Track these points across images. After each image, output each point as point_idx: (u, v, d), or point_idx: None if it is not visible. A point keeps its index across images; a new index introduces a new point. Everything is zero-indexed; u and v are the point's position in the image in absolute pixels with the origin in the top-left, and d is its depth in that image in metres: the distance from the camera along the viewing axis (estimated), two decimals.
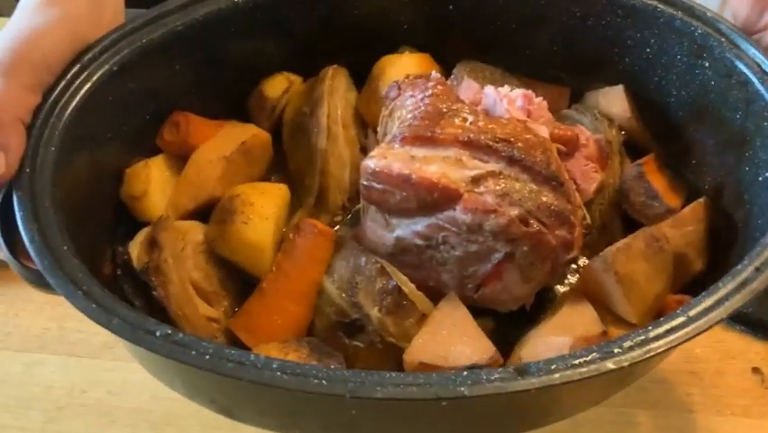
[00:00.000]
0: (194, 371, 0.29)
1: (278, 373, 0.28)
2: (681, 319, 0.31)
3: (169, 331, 0.29)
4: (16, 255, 0.34)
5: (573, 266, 0.43)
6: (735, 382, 0.50)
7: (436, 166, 0.38)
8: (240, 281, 0.41)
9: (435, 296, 0.39)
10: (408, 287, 0.39)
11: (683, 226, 0.42)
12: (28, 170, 0.35)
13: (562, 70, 0.51)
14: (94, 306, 0.30)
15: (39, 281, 0.33)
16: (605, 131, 0.47)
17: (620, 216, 0.45)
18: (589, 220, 0.44)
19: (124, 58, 0.41)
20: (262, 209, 0.41)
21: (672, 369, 0.51)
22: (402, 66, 0.47)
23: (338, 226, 0.45)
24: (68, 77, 0.39)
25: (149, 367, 0.35)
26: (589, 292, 0.39)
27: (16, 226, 0.34)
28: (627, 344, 0.29)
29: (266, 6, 0.47)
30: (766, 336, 0.52)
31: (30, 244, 0.32)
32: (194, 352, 0.28)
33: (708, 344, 0.53)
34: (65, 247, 0.33)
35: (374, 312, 0.38)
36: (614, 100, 0.49)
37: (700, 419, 0.49)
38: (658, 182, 0.45)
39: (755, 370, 0.51)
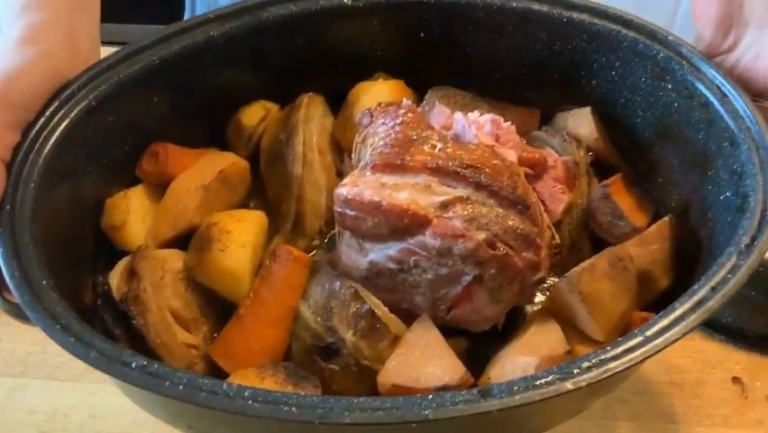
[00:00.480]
0: (170, 400, 0.30)
1: (250, 402, 0.29)
2: (638, 339, 0.32)
3: (145, 363, 0.30)
4: None
5: (544, 285, 0.45)
6: (715, 393, 0.52)
7: (406, 193, 0.39)
8: (219, 308, 0.42)
9: (409, 318, 0.41)
10: (381, 310, 0.40)
11: (648, 245, 0.43)
12: (8, 207, 0.36)
13: (532, 93, 0.53)
14: (71, 339, 0.31)
15: (19, 314, 0.34)
16: (573, 152, 0.48)
17: (588, 235, 0.47)
18: (558, 240, 0.45)
19: (102, 93, 0.42)
20: (239, 237, 0.42)
21: (653, 380, 0.52)
22: (376, 92, 0.49)
23: (315, 251, 0.46)
24: (47, 113, 0.40)
25: (130, 395, 0.36)
26: (556, 312, 0.40)
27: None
28: (586, 364, 0.31)
29: (242, 38, 0.48)
30: (746, 345, 0.54)
31: (10, 279, 0.34)
32: (168, 382, 0.29)
33: (688, 354, 0.54)
34: (44, 282, 0.34)
35: (348, 336, 0.39)
36: (582, 121, 0.50)
37: (682, 430, 0.50)
38: (624, 202, 0.46)
39: (735, 379, 0.53)
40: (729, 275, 0.34)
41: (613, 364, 0.31)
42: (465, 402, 0.30)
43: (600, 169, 0.50)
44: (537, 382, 0.30)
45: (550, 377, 0.31)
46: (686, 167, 0.46)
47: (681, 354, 0.54)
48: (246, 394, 0.29)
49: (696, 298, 0.34)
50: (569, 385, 0.30)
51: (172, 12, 0.89)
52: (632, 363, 0.31)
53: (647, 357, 0.31)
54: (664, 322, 0.33)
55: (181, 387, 0.29)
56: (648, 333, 0.32)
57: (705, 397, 0.51)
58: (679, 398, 0.51)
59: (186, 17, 0.85)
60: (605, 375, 0.30)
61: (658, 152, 0.49)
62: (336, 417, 0.29)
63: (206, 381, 0.30)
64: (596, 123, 0.50)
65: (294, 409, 0.29)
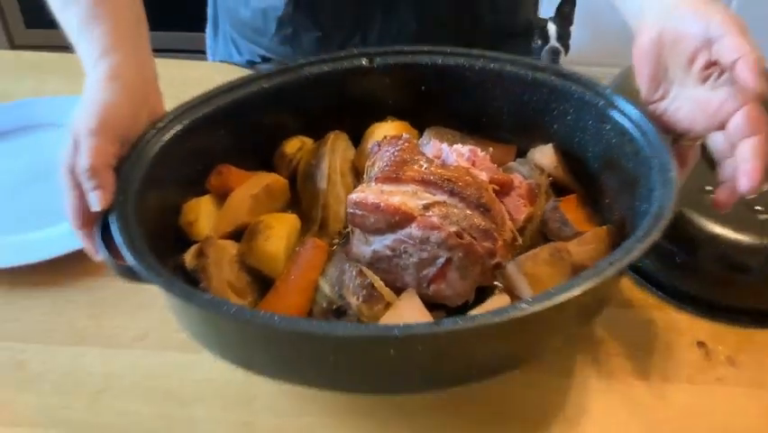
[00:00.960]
0: (238, 326, 0.45)
1: (289, 323, 0.44)
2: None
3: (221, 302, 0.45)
4: (113, 257, 0.51)
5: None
6: (682, 355, 0.61)
7: (399, 197, 0.54)
8: (261, 282, 0.57)
9: (399, 291, 0.55)
10: (378, 283, 0.54)
11: (585, 245, 0.57)
12: (120, 198, 0.53)
13: (509, 134, 0.67)
14: (172, 285, 0.46)
15: (130, 274, 0.49)
16: (536, 177, 0.63)
17: (544, 238, 0.60)
18: (520, 241, 0.59)
19: (185, 125, 0.59)
20: (279, 231, 0.58)
21: (627, 342, 0.62)
22: (385, 130, 0.64)
23: (335, 246, 0.61)
24: (147, 135, 0.56)
25: (195, 330, 0.51)
26: (508, 288, 0.54)
27: (111, 238, 0.51)
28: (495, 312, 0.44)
29: (286, 90, 0.65)
30: (710, 315, 0.64)
31: (124, 246, 0.49)
32: (240, 314, 0.44)
33: (660, 323, 0.64)
34: (145, 252, 0.49)
35: (354, 301, 0.53)
36: (545, 155, 0.64)
37: (651, 386, 0.59)
38: (571, 214, 0.60)
39: (700, 344, 0.62)
40: (622, 258, 0.48)
41: (527, 306, 0.44)
42: (421, 327, 0.44)
43: (561, 191, 0.64)
44: (475, 318, 0.44)
45: (487, 315, 0.44)
46: (622, 189, 0.60)
47: (654, 322, 0.64)
48: (285, 320, 0.44)
49: (597, 269, 0.47)
50: (496, 319, 0.44)
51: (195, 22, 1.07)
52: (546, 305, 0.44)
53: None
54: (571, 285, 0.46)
55: (249, 316, 0.44)
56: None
57: (672, 359, 0.61)
58: (650, 359, 0.60)
59: (208, 28, 1.04)
60: (520, 313, 0.44)
61: (603, 178, 0.62)
62: (336, 330, 0.44)
63: (261, 313, 0.45)
64: (556, 156, 0.64)
65: (311, 327, 0.44)
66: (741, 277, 0.62)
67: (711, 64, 0.52)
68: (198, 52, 1.07)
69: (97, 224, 0.52)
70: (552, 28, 1.90)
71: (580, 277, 0.46)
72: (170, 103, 0.60)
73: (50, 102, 0.84)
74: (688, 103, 0.55)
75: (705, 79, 0.53)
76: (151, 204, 0.56)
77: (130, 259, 0.48)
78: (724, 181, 0.53)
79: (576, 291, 0.45)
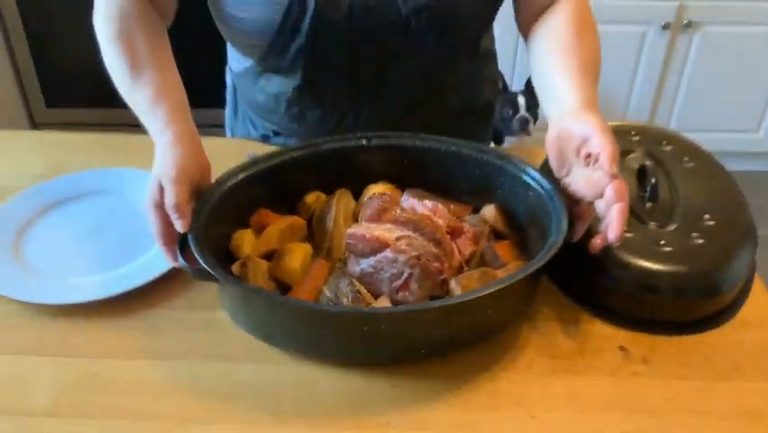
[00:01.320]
0: (268, 306, 0.71)
1: (301, 303, 0.70)
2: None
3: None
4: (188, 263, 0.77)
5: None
6: (606, 356, 0.78)
7: (379, 231, 0.80)
8: (283, 289, 0.83)
9: (378, 297, 0.80)
10: (363, 290, 0.79)
11: (508, 272, 0.82)
12: (194, 225, 0.79)
13: (466, 196, 0.93)
14: (229, 279, 0.72)
15: (201, 275, 0.75)
16: (480, 226, 0.88)
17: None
18: (465, 268, 0.84)
19: (238, 181, 0.86)
20: (297, 254, 0.83)
21: (564, 348, 0.79)
22: (377, 190, 0.91)
23: (337, 267, 0.87)
24: (212, 187, 0.84)
25: (237, 312, 0.77)
26: (451, 296, 0.79)
27: (188, 249, 0.77)
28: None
29: (308, 160, 0.92)
30: (629, 325, 0.82)
31: (199, 255, 0.75)
32: (271, 296, 0.70)
33: (590, 333, 0.81)
34: (212, 260, 0.76)
35: (345, 301, 0.78)
36: (489, 212, 0.90)
37: (580, 379, 0.76)
38: (504, 253, 0.85)
39: (621, 348, 0.80)
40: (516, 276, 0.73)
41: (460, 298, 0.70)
42: (382, 309, 0.70)
43: (501, 237, 0.90)
44: (418, 305, 0.70)
45: (426, 304, 0.70)
46: (539, 237, 0.85)
47: (585, 332, 0.81)
48: (294, 300, 0.70)
49: (510, 277, 0.73)
50: (435, 305, 0.69)
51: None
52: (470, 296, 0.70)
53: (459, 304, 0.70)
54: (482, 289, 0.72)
55: (287, 302, 0.70)
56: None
57: (599, 358, 0.78)
58: (582, 359, 0.77)
59: (228, 110, 1.24)
60: (445, 303, 0.69)
61: (529, 229, 0.88)
62: (333, 309, 0.69)
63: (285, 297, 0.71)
64: (497, 213, 0.90)
65: (316, 306, 0.69)
66: (651, 296, 0.81)
67: (589, 154, 0.78)
68: (213, 126, 1.26)
69: (178, 241, 0.78)
70: (521, 100, 2.23)
71: (489, 285, 0.72)
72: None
73: (104, 173, 1.05)
74: (580, 179, 0.79)
75: (588, 164, 0.79)
76: (213, 232, 0.82)
77: (202, 263, 0.74)
78: (600, 232, 0.78)
79: (479, 294, 0.71)
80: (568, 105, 0.81)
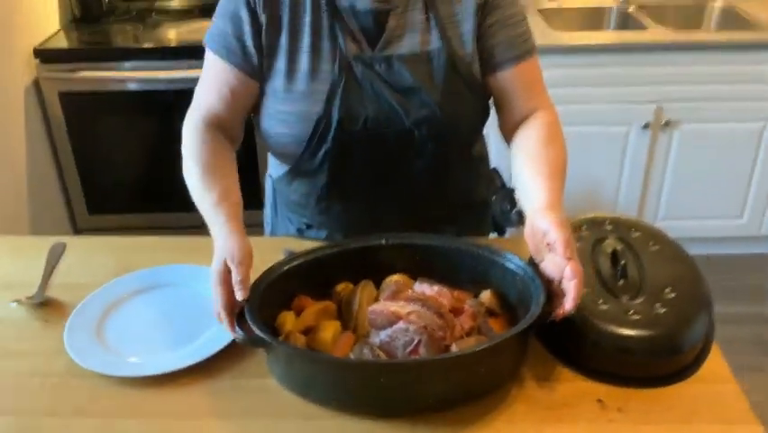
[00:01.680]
0: (312, 364, 0.90)
1: (333, 358, 0.89)
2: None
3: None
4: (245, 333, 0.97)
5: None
6: (585, 406, 0.94)
7: (394, 307, 1.00)
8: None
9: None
10: (382, 355, 0.99)
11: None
12: (249, 305, 1.00)
13: (467, 283, 1.13)
14: (280, 342, 0.92)
15: (256, 342, 0.95)
16: (477, 307, 1.08)
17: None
18: (465, 338, 1.03)
19: (283, 272, 1.08)
20: (329, 330, 1.03)
21: (551, 400, 0.95)
22: (394, 279, 1.12)
23: (361, 340, 1.06)
24: (263, 277, 1.05)
25: (281, 372, 0.96)
26: None
27: (245, 323, 0.98)
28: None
29: (340, 256, 1.14)
30: (606, 381, 0.98)
31: (254, 325, 0.96)
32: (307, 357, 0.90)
33: (572, 386, 0.97)
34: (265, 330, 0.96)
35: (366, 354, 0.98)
36: (485, 295, 1.10)
37: (563, 426, 0.91)
38: (497, 326, 1.05)
39: (599, 400, 0.95)
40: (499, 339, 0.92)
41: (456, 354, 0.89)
42: (395, 361, 0.89)
43: (494, 315, 1.09)
44: (426, 358, 0.89)
45: (430, 358, 0.89)
46: (525, 312, 1.03)
47: (568, 388, 0.97)
48: (326, 355, 0.90)
49: (498, 337, 0.92)
50: (436, 358, 0.88)
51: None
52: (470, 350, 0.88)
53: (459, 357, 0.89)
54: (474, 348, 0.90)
55: (317, 357, 0.90)
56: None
57: (580, 409, 0.93)
58: (566, 410, 0.93)
59: (268, 210, 1.47)
60: (445, 356, 0.88)
61: (519, 308, 1.07)
62: (357, 362, 0.89)
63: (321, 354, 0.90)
64: (492, 296, 1.10)
65: (343, 360, 0.89)
66: (624, 356, 0.98)
67: (548, 243, 0.99)
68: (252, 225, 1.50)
69: (236, 316, 0.99)
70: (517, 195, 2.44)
71: (480, 344, 0.91)
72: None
73: (168, 269, 1.25)
74: (549, 264, 1.00)
75: (552, 251, 1.00)
76: (263, 312, 1.03)
77: (258, 332, 0.95)
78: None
79: (474, 349, 0.90)
80: (536, 204, 1.04)
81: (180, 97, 2.45)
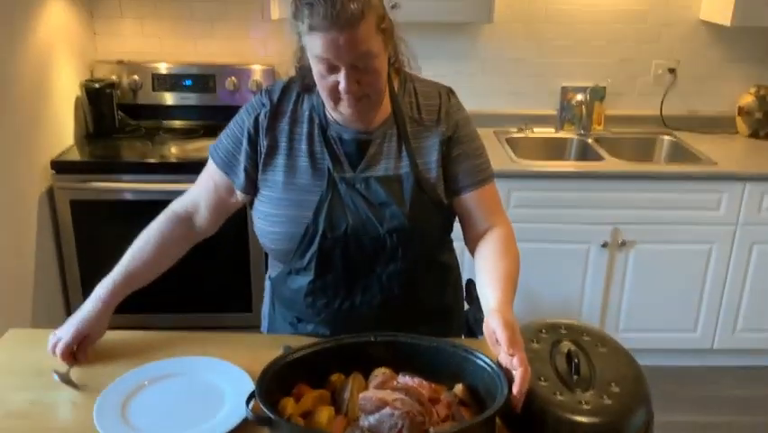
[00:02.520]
0: None
1: None
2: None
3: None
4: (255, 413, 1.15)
5: None
6: None
7: (381, 394, 1.18)
8: None
9: None
10: None
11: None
12: (260, 390, 1.18)
13: (443, 377, 1.32)
14: (287, 425, 1.10)
15: (264, 421, 1.13)
16: (451, 398, 1.26)
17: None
18: (440, 421, 1.21)
19: (283, 364, 1.26)
20: (324, 414, 1.21)
21: None
22: (380, 372, 1.31)
23: (353, 424, 1.23)
24: (268, 366, 1.24)
25: None
26: None
27: (256, 403, 1.15)
28: None
29: (333, 351, 1.33)
30: None
31: (263, 405, 1.13)
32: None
33: None
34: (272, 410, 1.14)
35: None
36: (458, 388, 1.28)
37: None
38: (468, 415, 1.23)
39: None
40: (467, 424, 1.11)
41: None
42: None
43: (466, 404, 1.27)
44: None
45: None
46: (492, 402, 1.23)
47: None
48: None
49: (466, 423, 1.10)
50: None
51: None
52: None
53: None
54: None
55: None
56: None
57: None
58: None
59: (266, 307, 1.69)
60: None
61: (487, 399, 1.25)
62: None
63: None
64: (464, 388, 1.28)
65: None
66: None
67: (498, 340, 1.21)
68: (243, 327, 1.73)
69: (246, 400, 1.17)
70: None
71: (452, 428, 1.10)
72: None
73: (181, 360, 1.42)
74: (502, 356, 1.21)
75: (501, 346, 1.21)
76: (267, 396, 1.21)
77: (267, 412, 1.12)
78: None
79: (449, 430, 1.08)
80: (488, 307, 1.28)
81: None
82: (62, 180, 2.73)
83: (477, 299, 1.73)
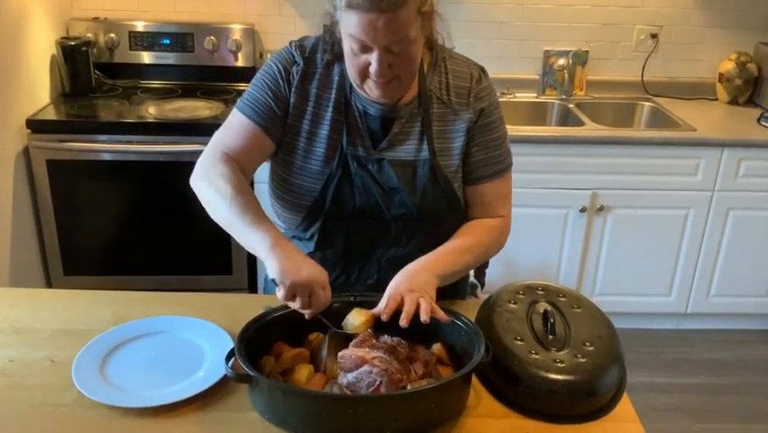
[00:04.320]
0: (289, 395, 1.09)
1: (316, 391, 1.08)
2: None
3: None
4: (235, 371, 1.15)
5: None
6: None
7: (360, 352, 1.20)
8: None
9: None
10: (349, 393, 1.17)
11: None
12: (238, 349, 1.19)
13: (422, 336, 1.33)
14: (263, 378, 1.11)
15: (243, 378, 1.13)
16: (429, 356, 1.28)
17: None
18: (418, 379, 1.23)
19: (263, 323, 1.27)
20: (303, 372, 1.22)
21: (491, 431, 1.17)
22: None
23: (331, 381, 1.25)
24: (251, 324, 1.24)
25: (266, 409, 1.14)
26: None
27: (236, 362, 1.16)
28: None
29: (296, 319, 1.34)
30: (536, 417, 1.19)
31: (243, 363, 1.14)
32: (286, 387, 1.09)
33: (507, 422, 1.17)
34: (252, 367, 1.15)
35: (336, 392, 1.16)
36: (436, 347, 1.30)
37: None
38: (445, 373, 1.25)
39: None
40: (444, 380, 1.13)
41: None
42: (359, 396, 1.08)
43: (443, 363, 1.29)
44: (387, 394, 1.09)
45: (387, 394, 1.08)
46: (468, 359, 1.25)
47: (505, 422, 1.16)
48: (301, 389, 1.08)
49: (443, 379, 1.12)
50: (392, 393, 1.08)
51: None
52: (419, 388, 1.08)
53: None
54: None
55: (293, 390, 1.09)
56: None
57: None
58: None
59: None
60: (396, 393, 1.08)
61: (464, 357, 1.27)
62: (328, 394, 1.08)
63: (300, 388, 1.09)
64: (441, 347, 1.30)
65: (316, 392, 1.08)
66: (551, 396, 1.18)
67: None
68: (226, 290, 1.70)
69: (225, 357, 1.18)
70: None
71: (429, 384, 1.12)
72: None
73: (159, 319, 1.42)
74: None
75: None
76: (248, 354, 1.21)
77: (247, 370, 1.13)
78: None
79: (425, 387, 1.10)
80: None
81: (155, 168, 2.68)
82: (38, 140, 2.69)
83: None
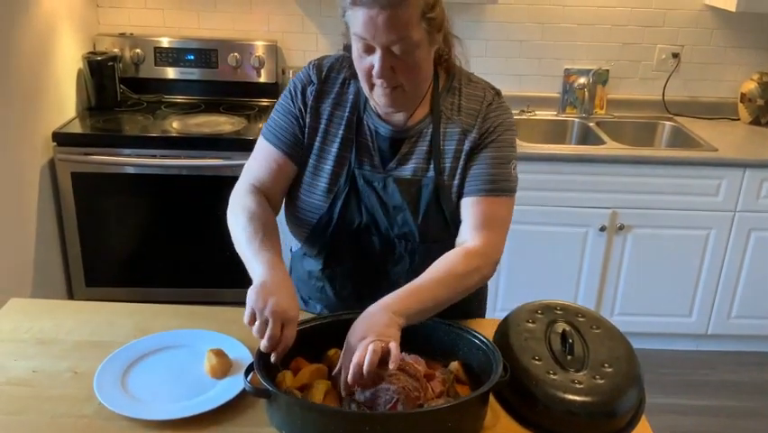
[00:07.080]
0: (307, 412, 1.10)
1: (326, 407, 1.09)
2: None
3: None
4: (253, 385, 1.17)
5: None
6: None
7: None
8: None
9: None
10: (366, 410, 1.18)
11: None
12: (258, 364, 1.20)
13: (439, 355, 1.34)
14: (282, 394, 1.12)
15: (261, 393, 1.15)
16: (447, 375, 1.28)
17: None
18: (435, 397, 1.23)
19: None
20: (321, 388, 1.23)
21: None
22: None
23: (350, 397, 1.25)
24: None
25: (284, 425, 1.15)
26: None
27: (255, 376, 1.17)
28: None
29: (330, 326, 1.34)
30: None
31: (262, 379, 1.15)
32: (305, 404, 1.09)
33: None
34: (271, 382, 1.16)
35: (353, 409, 1.17)
36: (454, 366, 1.30)
37: None
38: (463, 392, 1.25)
39: None
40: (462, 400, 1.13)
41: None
42: (377, 414, 1.08)
43: (461, 381, 1.29)
44: (401, 412, 1.09)
45: (405, 412, 1.09)
46: (486, 378, 1.25)
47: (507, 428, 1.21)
48: (320, 405, 1.09)
49: (460, 399, 1.12)
50: (408, 412, 1.08)
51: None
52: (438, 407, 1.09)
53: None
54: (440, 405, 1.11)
55: (302, 405, 1.10)
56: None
57: None
58: None
59: None
60: (415, 412, 1.08)
61: (482, 376, 1.27)
62: (348, 412, 1.08)
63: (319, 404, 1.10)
64: (459, 366, 1.30)
65: (334, 409, 1.09)
66: (570, 417, 1.18)
67: None
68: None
69: (245, 372, 1.19)
70: None
71: (446, 403, 1.12)
72: None
73: (179, 333, 1.43)
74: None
75: None
76: (267, 369, 1.23)
77: (266, 384, 1.14)
78: None
79: (442, 406, 1.10)
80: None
81: (177, 182, 2.72)
82: (63, 153, 2.74)
83: None
